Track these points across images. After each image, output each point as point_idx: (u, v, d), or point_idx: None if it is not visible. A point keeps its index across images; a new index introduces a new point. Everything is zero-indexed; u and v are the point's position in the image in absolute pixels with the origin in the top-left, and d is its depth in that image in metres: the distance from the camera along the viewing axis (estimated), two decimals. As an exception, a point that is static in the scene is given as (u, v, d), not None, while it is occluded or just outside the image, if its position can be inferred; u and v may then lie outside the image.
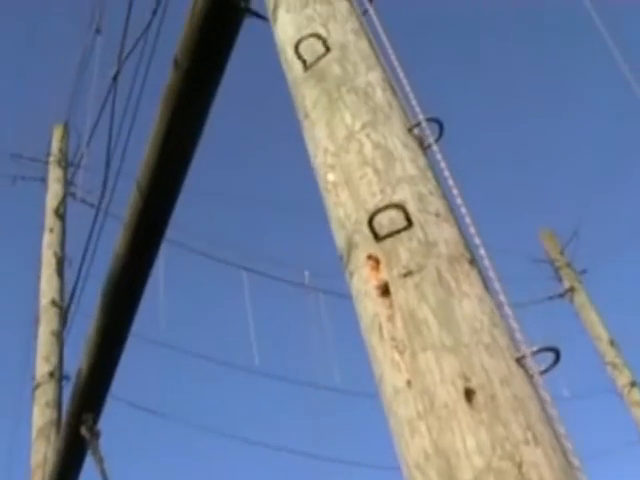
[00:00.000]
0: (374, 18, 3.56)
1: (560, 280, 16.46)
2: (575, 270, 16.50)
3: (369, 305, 2.62)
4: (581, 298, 16.07)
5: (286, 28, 3.58)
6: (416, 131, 3.08)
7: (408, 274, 2.57)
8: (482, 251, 2.71)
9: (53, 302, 10.83)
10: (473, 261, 2.69)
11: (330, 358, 12.53)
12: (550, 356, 2.45)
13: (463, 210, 2.82)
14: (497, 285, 2.61)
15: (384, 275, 2.61)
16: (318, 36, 3.34)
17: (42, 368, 10.15)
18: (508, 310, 2.55)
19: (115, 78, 8.19)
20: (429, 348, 2.38)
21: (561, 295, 16.26)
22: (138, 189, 5.13)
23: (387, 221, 2.70)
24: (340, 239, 2.88)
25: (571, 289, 16.15)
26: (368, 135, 2.99)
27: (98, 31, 10.67)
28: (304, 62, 3.34)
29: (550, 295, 16.17)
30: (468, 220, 2.79)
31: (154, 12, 7.94)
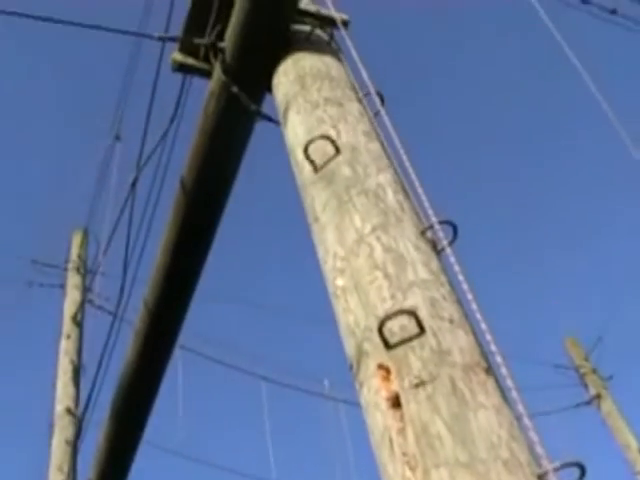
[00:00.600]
0: (386, 119, 3.49)
1: (586, 387, 16.11)
2: (601, 376, 16.15)
3: (379, 418, 2.47)
4: (608, 405, 15.67)
5: (296, 130, 3.52)
6: (429, 234, 2.97)
7: (420, 384, 2.42)
8: (499, 359, 2.56)
9: (68, 410, 10.65)
10: (490, 370, 2.54)
11: (350, 470, 12.19)
12: (575, 471, 2.28)
13: (478, 316, 2.68)
14: (515, 395, 2.45)
15: (395, 386, 2.46)
16: (328, 138, 3.27)
17: (55, 477, 9.93)
18: (528, 422, 2.39)
19: (134, 184, 8.20)
20: (442, 465, 2.22)
21: (587, 402, 15.88)
22: (149, 297, 5.05)
23: (398, 328, 2.57)
24: (349, 347, 2.75)
25: (597, 396, 15.78)
26: (378, 238, 2.88)
27: (117, 138, 10.76)
28: (314, 164, 3.26)
29: (576, 403, 15.81)
30: (484, 326, 2.65)
31: (172, 120, 7.94)
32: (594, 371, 16.20)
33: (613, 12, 10.84)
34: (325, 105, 3.54)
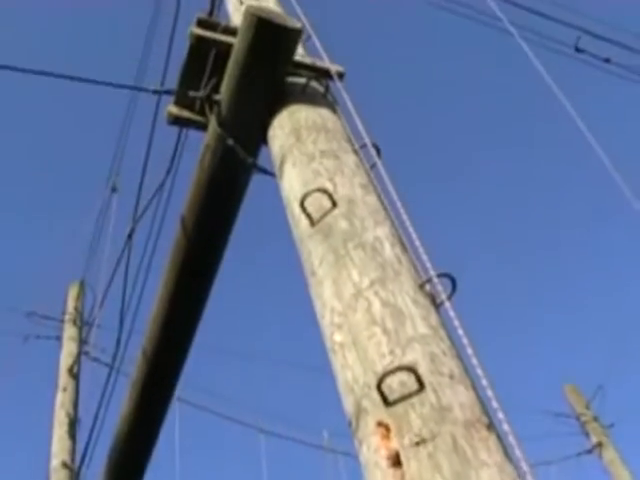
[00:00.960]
0: (382, 172, 3.48)
1: (587, 435, 15.96)
2: (602, 424, 16.02)
3: (379, 476, 2.41)
4: (610, 453, 15.52)
5: (292, 183, 3.50)
6: (427, 287, 2.93)
7: (421, 442, 2.37)
8: (501, 415, 2.51)
9: (64, 464, 10.52)
10: (491, 426, 2.49)
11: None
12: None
13: (479, 371, 2.64)
14: (518, 452, 2.40)
15: (395, 444, 2.41)
16: (324, 191, 3.25)
17: (50, 533, 9.79)
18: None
19: (130, 236, 8.17)
20: (445, 526, 2.17)
21: (589, 451, 15.73)
22: (145, 349, 4.99)
23: (397, 384, 2.52)
24: (348, 404, 2.69)
25: (599, 444, 15.63)
26: (376, 293, 2.84)
27: (114, 189, 10.77)
28: (310, 218, 3.24)
29: (577, 452, 15.65)
30: (485, 382, 2.60)
31: (168, 171, 7.94)
32: (595, 419, 16.07)
33: (607, 60, 10.90)
34: (321, 158, 3.52)
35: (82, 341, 12.35)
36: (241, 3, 5.44)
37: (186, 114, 4.37)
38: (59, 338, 12.72)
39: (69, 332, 12.48)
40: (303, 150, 3.60)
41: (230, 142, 3.99)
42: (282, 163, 3.67)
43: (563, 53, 10.97)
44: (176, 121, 4.41)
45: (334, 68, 4.27)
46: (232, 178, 4.21)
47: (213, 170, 4.18)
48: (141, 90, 4.27)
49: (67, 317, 12.75)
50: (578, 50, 10.61)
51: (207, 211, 4.29)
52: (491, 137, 25.82)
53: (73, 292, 13.08)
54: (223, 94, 4.08)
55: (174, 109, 4.38)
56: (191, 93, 4.21)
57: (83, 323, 12.63)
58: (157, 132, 6.87)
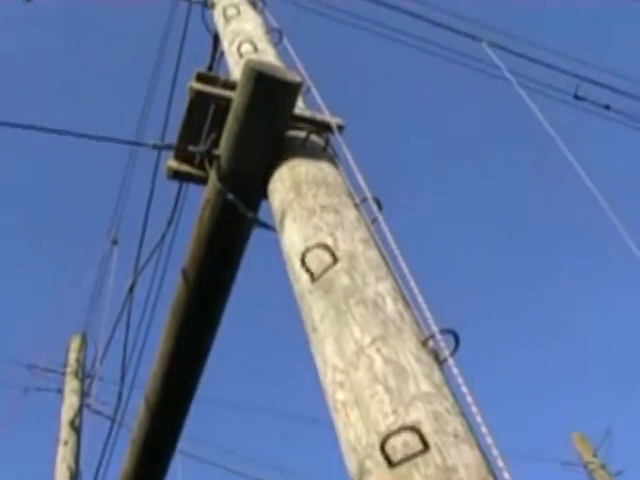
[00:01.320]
0: (384, 226, 3.45)
1: (595, 483, 15.79)
2: (610, 472, 15.85)
3: (384, 540, 2.35)
4: (618, 501, 15.35)
5: (293, 238, 3.47)
6: (430, 344, 2.89)
7: (426, 505, 2.32)
8: (506, 475, 2.46)
9: (65, 520, 10.41)
10: (498, 487, 2.44)
11: None
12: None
13: (484, 429, 2.59)
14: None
15: (399, 506, 2.36)
16: (325, 246, 3.22)
17: None
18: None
19: (131, 289, 8.15)
20: None
21: (597, 499, 15.55)
22: (146, 404, 4.93)
23: (401, 444, 2.47)
24: (351, 464, 2.64)
25: (607, 492, 15.47)
26: (379, 350, 2.80)
27: (115, 242, 10.77)
28: (311, 273, 3.20)
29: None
30: (490, 440, 2.55)
31: (169, 224, 7.94)
32: (603, 467, 15.92)
33: (606, 107, 10.93)
34: (322, 212, 3.50)
35: (84, 394, 12.27)
36: (241, 56, 5.46)
37: (186, 168, 4.36)
38: (60, 391, 12.65)
39: (71, 384, 12.40)
40: (303, 205, 3.58)
41: (230, 197, 3.97)
42: (282, 218, 3.64)
43: (562, 101, 11.01)
44: (176, 175, 4.40)
45: (334, 121, 4.27)
46: (233, 232, 4.18)
47: (213, 225, 4.16)
48: (140, 145, 4.26)
49: (69, 369, 12.69)
50: (578, 98, 10.65)
51: (208, 266, 4.26)
52: (491, 185, 25.87)
53: (75, 344, 13.03)
54: (223, 149, 4.07)
55: (174, 163, 4.37)
56: (191, 148, 4.21)
57: (85, 375, 12.56)
58: (158, 184, 6.87)
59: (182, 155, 4.34)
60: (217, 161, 4.07)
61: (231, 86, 4.24)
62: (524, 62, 10.70)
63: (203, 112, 4.26)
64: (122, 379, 7.79)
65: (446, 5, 11.19)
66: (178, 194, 7.33)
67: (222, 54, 6.94)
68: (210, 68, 7.35)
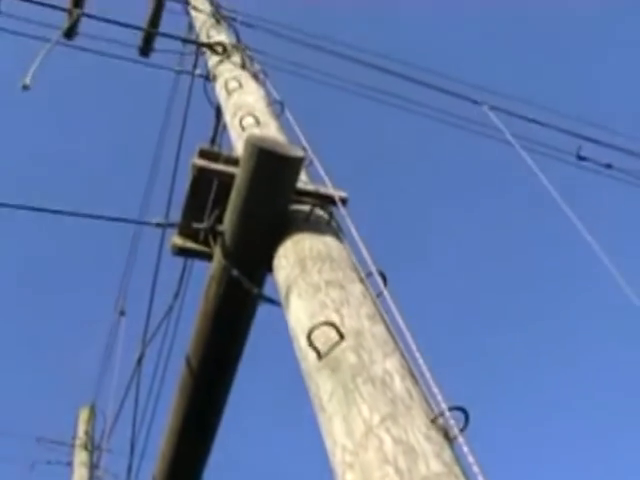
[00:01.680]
0: (389, 301, 3.44)
1: None
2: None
3: None
4: None
5: (299, 315, 3.45)
6: (440, 421, 2.85)
7: None
8: None
9: None
10: None
11: None
12: None
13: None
14: None
15: None
16: (331, 324, 3.20)
17: None
18: None
19: (139, 361, 8.12)
20: None
21: None
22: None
23: (412, 528, 2.42)
24: None
25: None
26: (388, 429, 2.76)
27: (122, 313, 10.75)
28: (318, 351, 3.18)
29: None
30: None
31: (175, 296, 7.96)
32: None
33: (608, 166, 10.97)
34: (327, 288, 3.48)
35: (93, 466, 12.18)
36: (243, 129, 5.50)
37: (190, 245, 4.37)
38: (70, 463, 12.56)
39: (80, 457, 12.33)
40: (308, 280, 3.57)
41: (235, 273, 3.96)
42: (288, 294, 3.63)
43: (565, 161, 11.06)
44: (180, 252, 4.40)
45: (337, 194, 4.27)
46: (239, 308, 4.17)
47: (219, 301, 4.15)
48: (144, 224, 4.27)
49: (78, 442, 12.61)
50: (580, 158, 10.69)
51: (214, 343, 4.23)
52: (492, 245, 25.83)
53: (83, 416, 12.96)
54: (227, 225, 4.07)
55: (178, 240, 4.37)
56: (195, 225, 4.21)
57: (94, 448, 12.47)
58: (164, 257, 6.88)
59: (186, 232, 4.35)
60: (221, 237, 4.07)
61: (234, 162, 4.25)
62: (525, 124, 10.78)
63: (206, 188, 4.27)
64: (132, 451, 7.72)
65: (446, 70, 11.29)
66: (184, 268, 7.35)
67: (225, 127, 7.00)
68: (213, 141, 7.42)
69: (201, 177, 4.25)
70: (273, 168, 3.90)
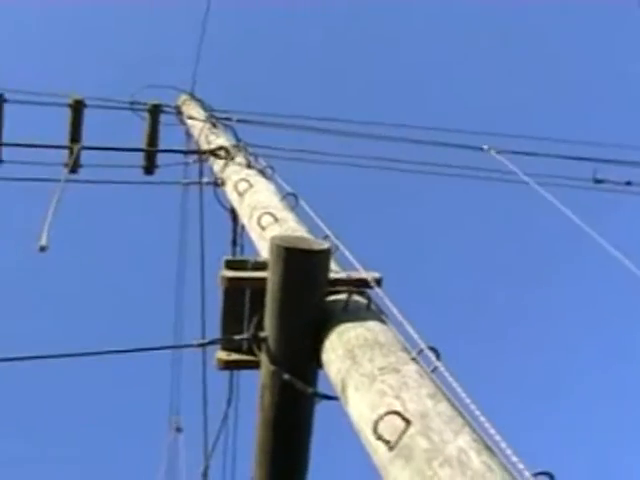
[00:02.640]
0: (446, 374, 3.38)
1: None
2: None
3: None
4: None
5: (360, 409, 3.38)
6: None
7: None
8: None
9: None
10: None
11: None
12: None
13: None
14: None
15: None
16: (394, 412, 3.13)
17: None
18: None
19: (204, 475, 8.05)
20: None
21: None
22: None
23: None
24: None
25: None
26: (477, 511, 2.68)
27: (179, 430, 10.69)
28: (387, 442, 3.10)
29: None
30: None
31: (229, 402, 7.90)
32: None
33: (628, 184, 10.92)
34: (382, 375, 3.42)
35: None
36: (263, 229, 5.50)
37: (235, 357, 4.32)
38: None
39: None
40: (361, 371, 3.51)
41: (286, 377, 3.91)
42: (344, 388, 3.57)
43: (582, 187, 11.01)
44: (227, 366, 4.36)
45: (370, 276, 4.24)
46: (296, 411, 4.10)
47: (275, 408, 4.08)
48: (186, 347, 4.24)
49: None
50: (597, 181, 10.65)
51: (280, 450, 4.16)
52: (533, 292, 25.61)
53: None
54: (268, 330, 4.03)
55: (223, 355, 4.33)
56: (236, 337, 4.18)
57: None
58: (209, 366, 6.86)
59: (229, 345, 4.31)
60: (265, 344, 4.03)
61: (262, 267, 4.23)
62: (532, 160, 10.77)
63: (239, 298, 4.25)
64: None
65: (442, 123, 11.35)
66: (231, 374, 7.31)
67: (243, 227, 7.02)
68: (234, 243, 7.43)
69: (232, 288, 4.23)
70: (303, 265, 3.88)
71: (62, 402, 23.71)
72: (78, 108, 9.55)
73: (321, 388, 4.12)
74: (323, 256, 3.94)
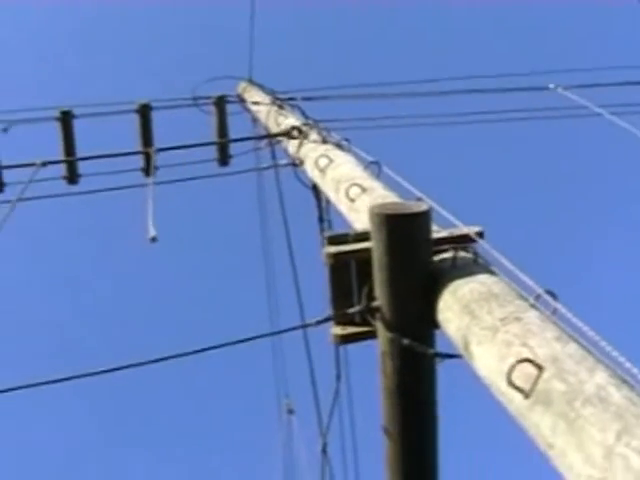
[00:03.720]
0: (568, 314, 3.37)
1: None
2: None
3: None
4: None
5: (487, 362, 3.39)
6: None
7: None
8: None
9: None
10: None
11: None
12: None
13: None
14: None
15: None
16: (525, 360, 3.13)
17: None
18: None
19: (324, 451, 8.15)
20: None
21: None
22: None
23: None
24: None
25: None
26: (628, 444, 2.66)
27: (291, 412, 10.82)
28: (521, 391, 3.11)
29: None
30: None
31: (338, 377, 7.97)
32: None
33: None
34: (504, 326, 3.42)
35: None
36: (352, 201, 5.52)
37: (351, 330, 4.36)
38: None
39: None
40: (482, 325, 3.51)
41: (405, 342, 3.94)
42: (466, 345, 3.57)
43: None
44: (344, 340, 4.40)
45: (472, 230, 4.23)
46: (419, 374, 4.13)
47: (398, 374, 4.11)
48: (303, 327, 4.30)
49: None
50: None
51: (408, 415, 4.19)
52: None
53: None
54: (380, 299, 4.05)
55: (338, 330, 4.37)
56: (350, 311, 4.21)
57: None
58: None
59: (342, 319, 4.35)
60: (379, 312, 4.06)
61: (363, 238, 4.26)
62: (603, 90, 10.59)
63: (345, 272, 4.28)
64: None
65: (503, 69, 11.23)
66: (336, 350, 7.38)
67: (327, 202, 7.05)
68: (321, 219, 7.47)
69: (338, 263, 4.26)
70: (405, 230, 3.89)
71: (182, 400, 24.18)
72: (145, 112, 9.67)
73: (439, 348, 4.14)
74: (424, 217, 3.95)
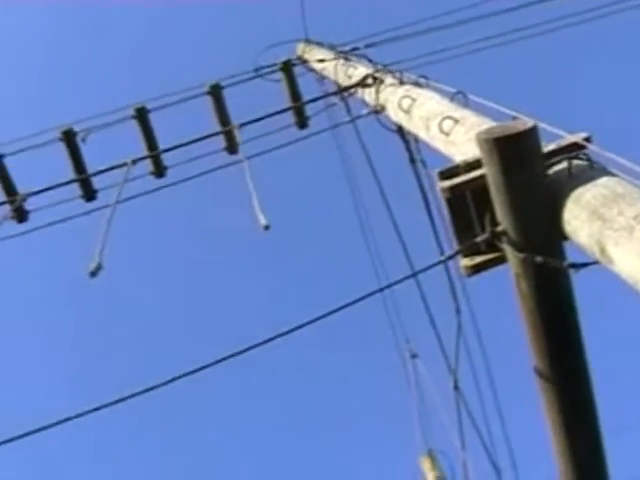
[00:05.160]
0: None
1: None
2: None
3: None
4: None
5: (629, 262, 3.37)
6: None
7: None
8: None
9: None
10: None
11: None
12: None
13: None
14: None
15: None
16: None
17: None
18: None
19: (456, 387, 8.22)
20: None
21: None
22: None
23: None
24: None
25: None
26: None
27: (414, 356, 10.90)
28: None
29: None
30: None
31: (457, 311, 8.05)
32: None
33: None
34: (639, 223, 3.40)
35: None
36: (447, 135, 5.51)
37: (479, 259, 4.37)
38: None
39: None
40: (616, 226, 3.49)
41: (538, 259, 3.94)
42: (602, 249, 3.56)
43: None
44: (475, 271, 4.42)
45: (579, 137, 4.20)
46: (556, 290, 4.13)
47: (535, 293, 4.11)
48: (433, 266, 4.32)
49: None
50: None
51: (554, 331, 4.20)
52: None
53: (427, 464, 13.11)
54: (503, 222, 4.06)
55: (467, 261, 4.38)
56: (477, 239, 4.22)
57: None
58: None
59: (469, 251, 4.37)
60: (506, 236, 4.06)
61: (473, 166, 4.26)
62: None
63: (463, 204, 4.28)
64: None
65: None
66: (451, 284, 7.41)
67: (416, 140, 7.05)
68: (412, 160, 7.47)
69: (454, 196, 4.27)
70: (517, 149, 3.87)
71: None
72: (217, 93, 9.73)
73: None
74: (532, 133, 3.92)
